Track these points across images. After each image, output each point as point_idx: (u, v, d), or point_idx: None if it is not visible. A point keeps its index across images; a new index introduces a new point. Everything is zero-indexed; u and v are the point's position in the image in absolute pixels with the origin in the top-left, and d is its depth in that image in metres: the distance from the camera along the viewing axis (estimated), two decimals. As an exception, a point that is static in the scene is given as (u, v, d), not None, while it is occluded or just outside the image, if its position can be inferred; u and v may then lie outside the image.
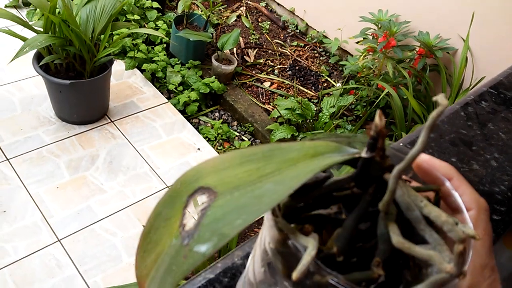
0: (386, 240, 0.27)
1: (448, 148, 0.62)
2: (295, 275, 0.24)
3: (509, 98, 0.74)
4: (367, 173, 0.28)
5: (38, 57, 1.80)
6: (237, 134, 2.18)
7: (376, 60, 2.15)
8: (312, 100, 2.30)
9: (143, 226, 0.28)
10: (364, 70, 2.24)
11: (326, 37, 2.57)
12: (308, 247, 0.25)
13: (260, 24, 2.71)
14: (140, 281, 0.25)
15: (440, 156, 0.61)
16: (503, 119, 0.70)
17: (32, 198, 1.68)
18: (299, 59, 2.56)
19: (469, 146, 0.63)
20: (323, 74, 2.47)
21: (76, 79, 1.80)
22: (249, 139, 2.16)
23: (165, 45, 2.36)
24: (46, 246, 1.56)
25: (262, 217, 0.28)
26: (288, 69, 2.49)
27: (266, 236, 0.30)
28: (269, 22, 2.72)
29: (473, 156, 0.62)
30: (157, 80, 2.27)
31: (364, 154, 0.28)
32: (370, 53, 2.16)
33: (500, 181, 0.59)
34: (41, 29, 1.72)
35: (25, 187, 1.71)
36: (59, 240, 1.58)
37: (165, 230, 0.26)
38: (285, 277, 0.28)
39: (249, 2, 2.84)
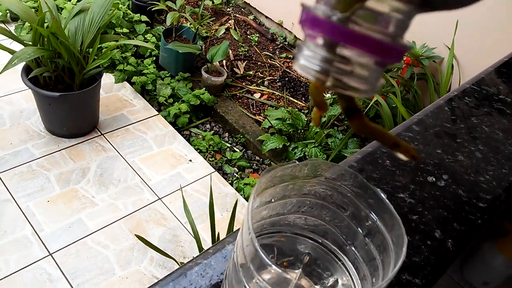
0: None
1: (433, 140, 0.63)
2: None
3: (491, 94, 0.76)
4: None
5: (27, 70, 1.80)
6: (229, 145, 2.19)
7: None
8: (303, 111, 2.32)
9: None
10: (353, 79, 2.27)
11: (314, 48, 2.60)
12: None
13: (249, 36, 2.75)
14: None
15: (425, 148, 0.62)
16: (486, 113, 0.71)
17: (23, 212, 1.66)
18: (288, 70, 2.58)
19: (453, 138, 0.65)
20: (313, 85, 2.50)
21: (66, 92, 1.80)
22: (240, 150, 2.17)
23: (154, 58, 2.37)
24: (38, 260, 1.54)
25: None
26: (278, 80, 2.51)
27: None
28: (257, 35, 2.76)
29: (458, 148, 0.63)
30: (147, 93, 2.27)
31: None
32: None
33: (485, 171, 0.60)
34: (30, 43, 1.73)
35: (15, 201, 1.69)
36: (50, 254, 1.56)
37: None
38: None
39: (237, 15, 2.88)
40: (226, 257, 0.43)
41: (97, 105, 2.01)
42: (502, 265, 0.85)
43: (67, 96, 1.80)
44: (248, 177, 2.05)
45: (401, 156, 0.25)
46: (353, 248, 0.38)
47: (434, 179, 0.57)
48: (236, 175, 2.05)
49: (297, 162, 0.35)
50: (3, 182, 1.74)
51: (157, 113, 2.19)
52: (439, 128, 0.66)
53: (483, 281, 0.93)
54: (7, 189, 1.72)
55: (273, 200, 0.37)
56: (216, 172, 2.02)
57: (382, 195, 0.33)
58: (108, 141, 1.99)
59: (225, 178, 2.01)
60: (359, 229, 0.36)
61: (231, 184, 1.99)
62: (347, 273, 0.39)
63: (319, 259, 0.41)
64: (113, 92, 2.23)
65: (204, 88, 2.26)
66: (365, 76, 0.21)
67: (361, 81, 0.22)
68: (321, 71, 0.21)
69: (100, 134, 2.01)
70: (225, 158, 2.11)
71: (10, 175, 1.77)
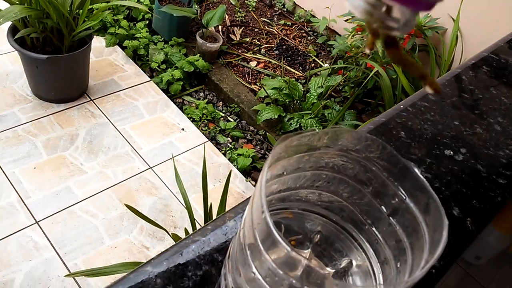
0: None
1: (450, 111, 0.59)
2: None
3: (511, 63, 0.71)
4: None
5: (13, 31, 1.71)
6: (223, 114, 2.13)
7: (365, 39, 2.11)
8: (300, 81, 2.25)
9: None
10: (353, 49, 2.20)
11: (314, 16, 2.51)
12: None
13: (246, 1, 2.64)
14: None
15: (442, 119, 0.57)
16: (505, 84, 0.66)
17: (8, 178, 1.60)
18: (286, 38, 2.50)
19: (471, 110, 0.60)
20: (311, 54, 2.42)
21: (54, 54, 1.72)
22: (235, 120, 2.11)
23: (147, 22, 2.27)
24: (23, 228, 1.49)
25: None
26: (275, 48, 2.43)
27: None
28: (255, 0, 2.65)
29: (476, 120, 0.58)
30: (139, 58, 2.19)
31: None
32: (358, 32, 2.12)
33: (505, 145, 0.56)
34: (17, 1, 1.63)
35: (0, 167, 1.63)
36: (37, 222, 1.52)
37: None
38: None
39: (234, -20, 2.76)
40: (226, 234, 0.39)
41: (87, 69, 1.92)
42: (496, 241, 0.83)
43: (55, 59, 1.71)
44: (242, 147, 2.00)
45: (427, 88, 0.27)
46: (373, 228, 0.33)
47: (451, 152, 0.52)
48: (230, 145, 2.00)
49: (317, 130, 0.29)
50: (-13, 147, 1.67)
51: (149, 79, 2.11)
52: (456, 98, 0.61)
53: (476, 256, 0.91)
54: (-8, 154, 1.66)
55: (285, 173, 0.32)
56: (209, 141, 1.97)
57: (416, 170, 0.28)
58: (98, 107, 1.92)
59: (218, 148, 1.96)
60: (382, 207, 0.32)
61: (224, 154, 1.94)
62: (364, 255, 0.34)
63: (332, 238, 0.36)
64: (103, 56, 2.14)
65: (198, 55, 2.18)
66: (400, 20, 0.25)
67: (397, 23, 0.25)
68: (367, 12, 0.25)
69: (89, 99, 1.94)
70: (219, 128, 2.06)
71: (-5, 140, 1.70)
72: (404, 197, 0.29)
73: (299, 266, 0.30)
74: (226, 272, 0.35)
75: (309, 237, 0.37)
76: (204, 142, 1.94)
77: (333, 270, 0.36)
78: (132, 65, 2.14)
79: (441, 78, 0.64)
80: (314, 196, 0.35)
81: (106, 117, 1.89)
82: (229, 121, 2.10)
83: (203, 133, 1.99)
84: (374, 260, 0.34)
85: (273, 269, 0.28)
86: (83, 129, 1.82)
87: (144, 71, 2.14)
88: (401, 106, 0.56)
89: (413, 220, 0.29)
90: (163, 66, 2.15)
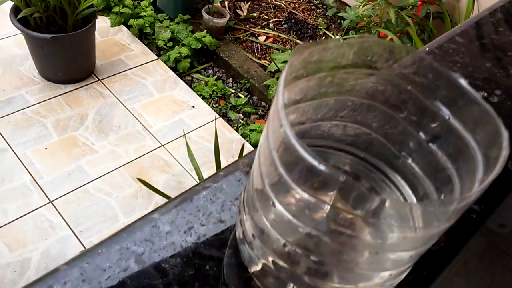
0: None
1: (481, 53, 0.54)
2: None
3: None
4: None
5: (15, 11, 1.68)
6: (233, 91, 2.08)
7: (377, 8, 2.04)
8: (310, 53, 2.19)
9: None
10: (365, 19, 2.13)
11: (322, -14, 2.43)
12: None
13: (252, -25, 2.57)
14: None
15: (471, 61, 0.52)
16: (538, 25, 0.61)
17: (20, 160, 1.59)
18: (294, 11, 2.43)
19: (503, 51, 0.55)
20: (321, 27, 2.35)
21: (58, 34, 1.68)
22: (245, 96, 2.07)
23: (152, 0, 2.22)
24: (38, 208, 1.49)
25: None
26: (283, 22, 2.37)
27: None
28: (262, -27, 2.58)
29: (509, 62, 0.53)
30: (145, 37, 2.14)
31: None
32: (370, 2, 2.04)
33: (543, 87, 0.51)
34: (17, -21, 1.59)
35: (11, 148, 1.62)
36: (51, 202, 1.51)
37: None
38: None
39: (240, -47, 2.68)
40: (240, 180, 0.35)
41: (93, 49, 1.89)
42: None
43: (59, 38, 1.68)
44: (254, 123, 1.96)
45: None
46: (409, 161, 0.29)
47: (486, 94, 0.47)
48: (242, 122, 1.96)
49: (341, 40, 0.25)
50: (-2, 130, 1.66)
51: (156, 57, 2.07)
52: (486, 40, 0.56)
53: (500, 224, 0.86)
54: (3, 137, 1.64)
55: (303, 100, 0.28)
56: (221, 118, 1.93)
57: (462, 81, 0.24)
58: (106, 87, 1.89)
59: (230, 125, 1.92)
60: (420, 133, 0.27)
61: (237, 130, 1.90)
62: (398, 193, 0.30)
63: (360, 178, 0.32)
64: (109, 36, 2.11)
65: (205, 31, 2.13)
66: None
67: None
68: None
69: (97, 80, 1.91)
70: (230, 104, 2.02)
71: (4, 122, 1.69)
72: (448, 117, 0.25)
73: (323, 209, 0.27)
74: (243, 218, 0.32)
75: (334, 177, 0.33)
76: (216, 119, 1.90)
77: (363, 212, 0.32)
78: (138, 44, 2.10)
79: (467, 22, 0.59)
80: (338, 130, 0.31)
81: (115, 96, 1.87)
82: (240, 97, 2.06)
83: (214, 110, 1.95)
84: (410, 198, 0.30)
85: (302, 196, 0.24)
86: (92, 109, 1.80)
87: (151, 50, 2.10)
88: (427, 49, 0.52)
89: (459, 142, 0.25)
90: (170, 44, 2.10)
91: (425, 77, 0.26)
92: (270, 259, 0.29)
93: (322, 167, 0.20)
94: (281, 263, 0.27)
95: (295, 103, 0.28)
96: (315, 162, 0.20)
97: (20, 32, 1.69)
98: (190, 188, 0.34)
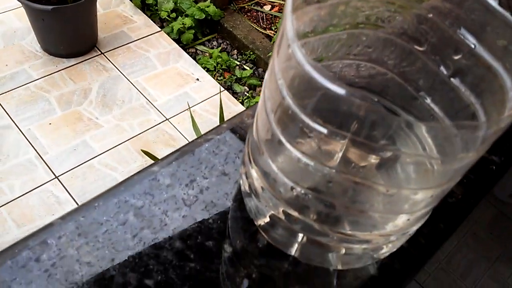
0: None
1: None
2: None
3: None
4: None
5: (14, -17, 1.64)
6: (238, 63, 2.04)
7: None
8: (316, 23, 2.14)
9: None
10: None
11: (328, -47, 2.36)
12: None
13: None
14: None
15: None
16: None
17: (24, 135, 1.58)
18: (300, -20, 2.36)
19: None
20: (327, -5, 2.29)
21: (59, 5, 1.65)
22: (251, 68, 2.03)
23: (154, -30, 2.16)
24: (44, 184, 1.48)
25: None
26: (288, -9, 2.30)
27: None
28: None
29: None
30: (147, 8, 2.10)
31: None
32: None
33: None
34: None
35: (15, 124, 1.61)
36: (56, 177, 1.50)
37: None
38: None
39: None
40: (245, 132, 0.33)
41: (95, 21, 1.85)
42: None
43: (60, 9, 1.64)
44: (260, 95, 1.93)
45: None
46: (427, 101, 0.27)
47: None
48: (247, 94, 1.93)
49: (355, -40, 0.22)
50: (1, 106, 1.65)
51: (159, 29, 2.03)
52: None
53: (510, 194, 0.84)
54: (6, 112, 1.63)
55: (313, 33, 0.25)
56: (226, 91, 1.90)
57: (491, 1, 0.21)
58: (109, 60, 1.86)
59: (235, 98, 1.90)
60: (441, 68, 0.25)
61: (242, 103, 1.88)
62: (415, 139, 0.28)
63: (374, 124, 0.30)
64: (111, 8, 2.06)
65: (209, 0, 2.08)
66: None
67: None
68: None
69: (100, 53, 1.88)
70: (235, 77, 1.98)
71: (7, 98, 1.67)
72: (473, 45, 0.23)
73: (335, 157, 0.24)
74: (248, 170, 0.30)
75: (346, 124, 0.31)
76: (221, 92, 1.87)
77: (377, 160, 0.30)
78: (141, 15, 2.06)
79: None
80: (351, 70, 0.28)
81: (118, 70, 1.84)
82: (245, 69, 2.02)
83: (218, 83, 1.92)
84: (429, 144, 0.27)
85: (314, 129, 0.22)
86: (95, 83, 1.77)
87: (154, 22, 2.06)
88: None
89: (485, 73, 0.22)
90: (173, 15, 2.06)
91: (448, 1, 0.23)
92: (281, 209, 0.27)
93: (342, 90, 0.18)
94: (290, 211, 0.25)
95: (304, 36, 0.25)
96: (334, 86, 0.18)
97: (20, 5, 1.66)
98: (192, 141, 0.32)
